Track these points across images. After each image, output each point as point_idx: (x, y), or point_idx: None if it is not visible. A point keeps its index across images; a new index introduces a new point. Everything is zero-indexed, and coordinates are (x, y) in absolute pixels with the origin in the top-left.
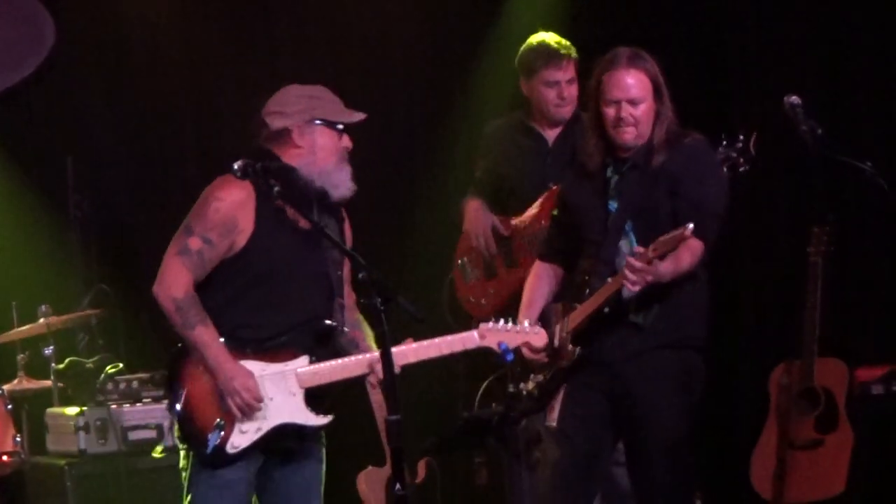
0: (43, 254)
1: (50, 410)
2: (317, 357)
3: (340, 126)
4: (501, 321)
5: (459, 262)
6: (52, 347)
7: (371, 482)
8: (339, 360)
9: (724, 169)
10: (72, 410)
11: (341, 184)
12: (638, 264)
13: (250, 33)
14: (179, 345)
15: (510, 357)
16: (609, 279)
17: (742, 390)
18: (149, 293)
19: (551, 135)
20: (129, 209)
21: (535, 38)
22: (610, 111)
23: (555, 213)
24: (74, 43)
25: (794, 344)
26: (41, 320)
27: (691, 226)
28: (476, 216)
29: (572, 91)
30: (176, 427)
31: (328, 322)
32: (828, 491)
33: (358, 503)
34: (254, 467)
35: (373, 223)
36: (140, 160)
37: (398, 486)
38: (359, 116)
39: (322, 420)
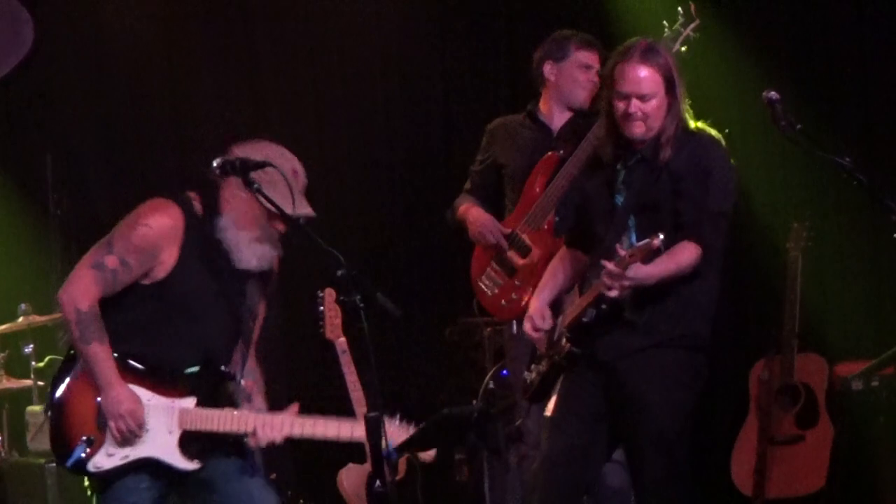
0: (22, 252)
1: (30, 409)
2: (203, 401)
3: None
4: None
5: (479, 283)
6: (32, 346)
7: (351, 479)
8: (224, 412)
9: (731, 163)
10: None
11: (244, 259)
12: (614, 270)
13: (229, 32)
14: (72, 352)
15: (394, 456)
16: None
17: (722, 386)
18: None
19: (558, 123)
20: (109, 207)
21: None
22: (620, 104)
23: (577, 200)
24: (54, 42)
25: (774, 340)
26: (21, 319)
27: (661, 236)
28: (477, 217)
29: (598, 80)
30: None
31: (223, 369)
32: (808, 486)
33: (339, 500)
34: (154, 493)
35: (358, 223)
36: (119, 158)
37: (378, 483)
38: (300, 212)
39: (190, 465)
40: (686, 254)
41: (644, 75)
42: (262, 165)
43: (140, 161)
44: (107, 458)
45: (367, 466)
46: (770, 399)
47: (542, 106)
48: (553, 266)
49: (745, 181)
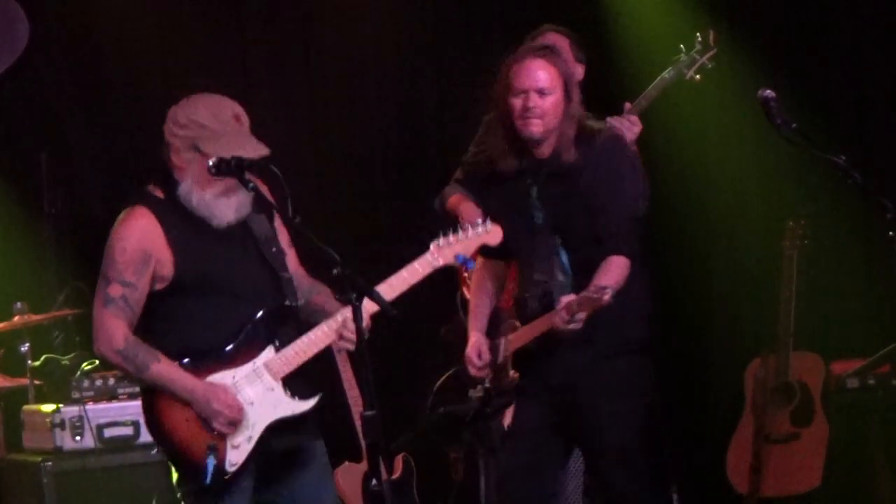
0: (18, 251)
1: (26, 407)
2: (280, 342)
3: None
4: (451, 233)
5: (465, 276)
6: (27, 345)
7: (347, 478)
8: (305, 338)
9: (637, 161)
10: (48, 407)
11: (221, 215)
12: (566, 317)
13: (223, 30)
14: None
15: (471, 265)
16: (544, 306)
17: (718, 384)
18: None
19: None
20: (104, 206)
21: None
22: (517, 101)
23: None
24: (48, 40)
25: (770, 338)
26: (16, 318)
27: (609, 291)
28: (469, 211)
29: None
30: (174, 472)
31: (280, 303)
32: (803, 484)
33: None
34: (248, 491)
35: (352, 221)
36: (114, 157)
37: (374, 481)
38: (250, 153)
39: (308, 403)
40: (619, 271)
41: (542, 70)
42: (256, 164)
43: (135, 160)
44: (236, 452)
45: (364, 465)
46: (766, 397)
47: None
48: (478, 285)
49: (741, 180)
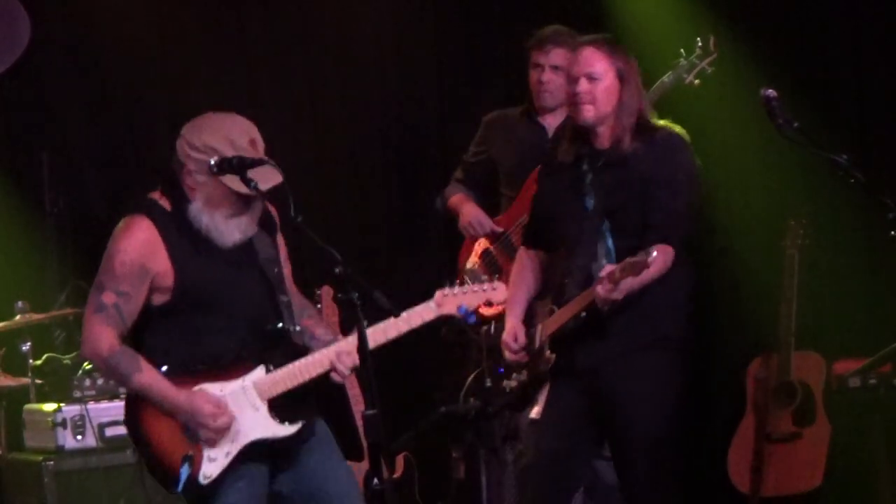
0: (19, 250)
1: (27, 407)
2: (273, 363)
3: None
4: (458, 285)
5: (465, 276)
6: (29, 344)
7: None
8: (298, 363)
9: (695, 161)
10: (49, 407)
11: (226, 236)
12: (609, 286)
13: (224, 28)
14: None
15: (472, 319)
16: (584, 290)
17: (719, 384)
18: None
19: (552, 123)
20: (105, 205)
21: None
22: (570, 88)
23: (534, 198)
24: (50, 39)
25: (771, 337)
26: (18, 317)
27: (654, 254)
28: (470, 211)
29: (554, 79)
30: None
31: (275, 325)
32: (805, 484)
33: None
34: (259, 485)
35: (353, 220)
36: (115, 156)
37: (375, 480)
38: (264, 183)
39: (290, 428)
40: (663, 255)
41: (593, 57)
42: (259, 163)
43: (136, 159)
44: (212, 465)
45: (365, 464)
46: (767, 397)
47: (533, 104)
48: (516, 278)
49: (742, 179)
